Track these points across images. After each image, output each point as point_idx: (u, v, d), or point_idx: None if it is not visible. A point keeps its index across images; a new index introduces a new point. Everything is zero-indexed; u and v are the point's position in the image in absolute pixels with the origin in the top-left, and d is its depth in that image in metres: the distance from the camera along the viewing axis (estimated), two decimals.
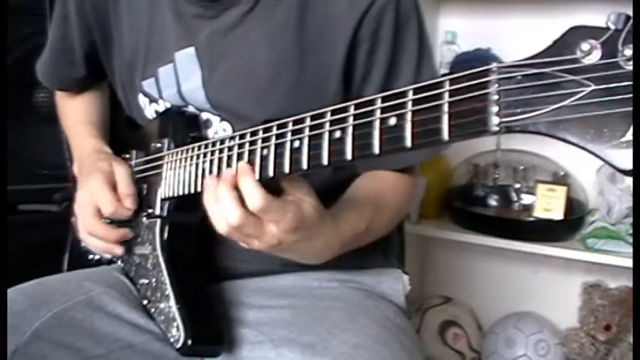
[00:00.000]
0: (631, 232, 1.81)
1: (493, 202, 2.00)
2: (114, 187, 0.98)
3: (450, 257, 2.33)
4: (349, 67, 0.94)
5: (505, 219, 1.94)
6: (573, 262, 1.96)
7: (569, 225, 1.90)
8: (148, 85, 1.05)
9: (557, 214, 1.86)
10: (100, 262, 1.15)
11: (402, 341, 0.92)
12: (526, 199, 1.98)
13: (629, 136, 0.43)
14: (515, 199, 2.00)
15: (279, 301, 1.01)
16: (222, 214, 0.74)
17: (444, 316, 2.20)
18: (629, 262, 1.76)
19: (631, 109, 0.43)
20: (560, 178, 1.96)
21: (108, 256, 1.05)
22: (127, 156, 1.08)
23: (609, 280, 2.03)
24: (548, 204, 1.87)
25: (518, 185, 2.00)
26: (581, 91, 0.45)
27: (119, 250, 1.01)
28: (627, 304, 1.93)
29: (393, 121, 0.56)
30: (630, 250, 1.78)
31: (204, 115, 1.00)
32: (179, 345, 0.88)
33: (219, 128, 0.99)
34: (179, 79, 1.00)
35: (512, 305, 2.21)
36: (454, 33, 2.10)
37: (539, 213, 1.88)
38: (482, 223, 1.93)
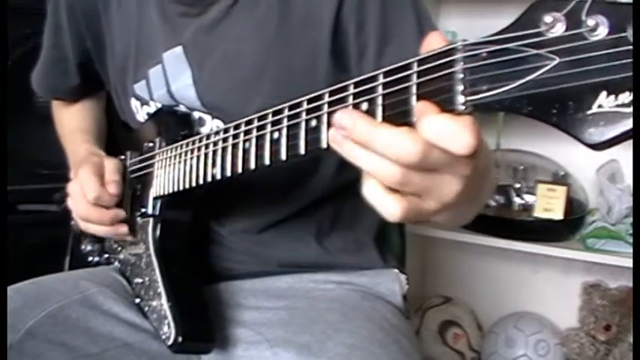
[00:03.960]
0: (631, 232, 1.81)
1: (493, 202, 2.00)
2: (101, 176, 0.99)
3: (450, 257, 2.33)
4: (342, 48, 0.91)
5: (505, 219, 1.94)
6: (573, 262, 1.96)
7: (569, 225, 1.89)
8: (140, 87, 1.05)
9: (557, 214, 1.86)
10: (99, 264, 1.15)
11: (399, 342, 0.92)
12: (526, 199, 1.97)
13: (595, 108, 0.42)
14: (515, 199, 1.99)
15: (276, 302, 1.01)
16: (392, 154, 0.50)
17: (444, 316, 2.20)
18: (629, 262, 1.76)
19: (598, 80, 0.42)
20: (560, 178, 1.96)
21: (124, 229, 1.02)
22: (122, 157, 1.09)
23: (609, 280, 2.03)
24: (548, 204, 1.87)
25: (518, 185, 1.99)
26: (547, 65, 0.44)
27: (124, 229, 1.00)
28: (627, 304, 1.93)
29: (365, 106, 0.55)
30: (630, 250, 1.78)
31: (197, 114, 1.01)
32: (170, 342, 0.89)
33: (212, 126, 0.99)
34: (168, 79, 1.01)
35: (512, 305, 2.21)
36: (454, 33, 2.09)
37: (539, 213, 1.88)
38: (482, 223, 1.93)
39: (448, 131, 0.47)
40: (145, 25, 1.03)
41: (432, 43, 0.51)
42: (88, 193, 0.96)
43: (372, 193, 0.52)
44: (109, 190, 0.98)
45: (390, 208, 0.52)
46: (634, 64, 0.41)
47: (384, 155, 0.50)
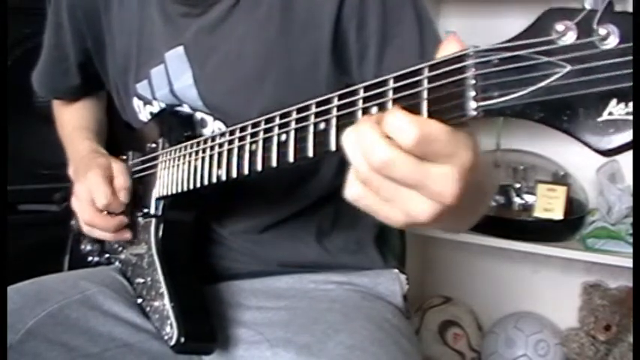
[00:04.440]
0: (631, 232, 1.81)
1: (493, 202, 2.00)
2: (111, 181, 0.99)
3: (450, 257, 2.33)
4: (343, 49, 0.91)
5: (505, 219, 1.93)
6: (573, 262, 1.96)
7: (569, 225, 1.89)
8: (142, 87, 1.05)
9: (557, 214, 1.86)
10: (99, 264, 1.15)
11: (399, 342, 0.92)
12: (526, 199, 1.97)
13: (606, 116, 0.43)
14: (515, 199, 1.99)
15: (276, 302, 1.01)
16: (364, 151, 0.52)
17: (444, 316, 2.20)
18: (629, 262, 1.76)
19: (608, 87, 0.43)
20: (560, 178, 1.96)
21: (128, 235, 1.03)
22: (124, 157, 1.09)
23: (609, 280, 2.03)
24: (548, 204, 1.87)
25: (518, 185, 1.99)
26: (558, 72, 0.45)
27: (127, 235, 1.01)
28: (627, 304, 1.93)
29: (374, 110, 0.55)
30: (630, 250, 1.78)
31: (199, 115, 1.01)
32: (172, 342, 0.89)
33: (214, 127, 0.99)
34: (170, 78, 1.00)
35: (512, 305, 2.21)
36: (454, 33, 2.09)
37: (539, 213, 1.88)
38: (482, 223, 1.90)
39: (398, 121, 0.50)
40: (147, 25, 1.03)
41: (449, 49, 0.52)
42: (97, 200, 0.96)
43: (350, 171, 0.55)
44: (121, 198, 0.98)
45: (350, 189, 0.55)
46: (634, 65, 0.42)
47: (359, 148, 0.52)
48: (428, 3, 0.94)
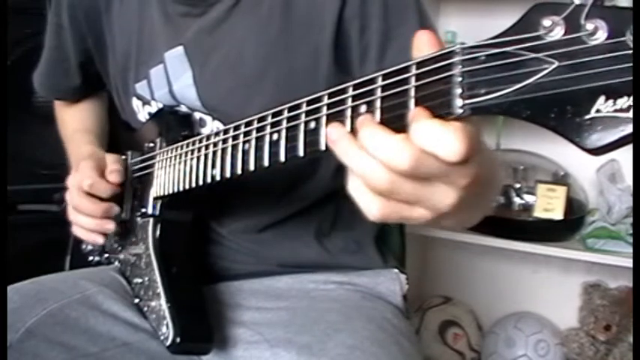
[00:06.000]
0: (631, 232, 1.81)
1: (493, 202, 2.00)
2: (102, 170, 0.99)
3: (450, 257, 2.33)
4: (344, 50, 0.91)
5: (505, 219, 1.93)
6: (573, 262, 1.96)
7: (569, 225, 1.90)
8: (141, 87, 1.05)
9: (557, 214, 1.86)
10: (100, 264, 1.15)
11: (399, 342, 0.92)
12: (526, 199, 1.97)
13: (594, 113, 0.42)
14: (515, 199, 1.99)
15: (276, 302, 1.01)
16: (385, 159, 0.49)
17: (444, 316, 2.20)
18: (629, 262, 1.76)
19: (596, 84, 0.42)
20: (560, 178, 1.96)
21: (100, 240, 1.00)
22: (123, 157, 1.09)
23: (609, 280, 2.03)
24: (548, 204, 1.87)
25: (518, 185, 1.99)
26: (545, 69, 0.44)
27: (110, 226, 0.97)
28: (627, 304, 1.93)
29: (363, 108, 0.55)
30: (630, 250, 1.79)
31: (198, 115, 1.00)
32: (168, 343, 0.89)
33: (213, 127, 0.99)
34: (170, 78, 1.00)
35: (512, 305, 2.21)
36: (454, 33, 2.09)
37: (539, 213, 1.88)
38: (483, 223, 1.90)
39: (437, 136, 0.46)
40: (147, 25, 1.03)
41: (422, 41, 0.51)
42: (83, 181, 0.96)
43: (356, 188, 0.52)
44: (110, 179, 0.97)
45: (370, 208, 0.51)
46: (634, 65, 0.41)
47: (375, 158, 0.49)
48: (428, 3, 0.94)
